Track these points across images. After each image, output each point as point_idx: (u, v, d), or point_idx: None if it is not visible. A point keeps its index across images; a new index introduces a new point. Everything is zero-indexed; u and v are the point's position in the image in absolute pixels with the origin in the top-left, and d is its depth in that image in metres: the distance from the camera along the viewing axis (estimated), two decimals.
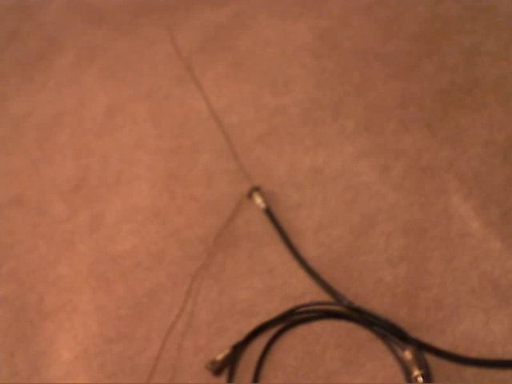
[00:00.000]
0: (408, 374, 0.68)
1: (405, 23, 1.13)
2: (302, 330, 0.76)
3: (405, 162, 0.91)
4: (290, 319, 0.77)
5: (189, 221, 0.94)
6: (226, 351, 0.75)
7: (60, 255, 0.96)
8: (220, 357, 0.74)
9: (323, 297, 0.78)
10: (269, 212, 0.89)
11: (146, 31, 1.39)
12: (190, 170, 1.02)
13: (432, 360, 0.69)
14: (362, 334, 0.73)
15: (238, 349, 0.75)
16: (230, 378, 0.73)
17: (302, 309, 0.77)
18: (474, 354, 0.68)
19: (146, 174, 1.04)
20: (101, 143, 1.14)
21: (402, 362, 0.69)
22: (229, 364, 0.74)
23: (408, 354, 0.68)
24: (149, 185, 1.02)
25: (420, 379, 0.66)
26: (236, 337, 0.77)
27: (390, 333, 0.71)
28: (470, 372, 0.67)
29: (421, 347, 0.69)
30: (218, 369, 0.74)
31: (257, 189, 0.93)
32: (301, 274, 0.82)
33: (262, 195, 0.92)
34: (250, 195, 0.93)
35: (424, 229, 0.81)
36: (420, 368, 0.66)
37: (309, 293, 0.79)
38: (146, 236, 0.94)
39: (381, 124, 0.97)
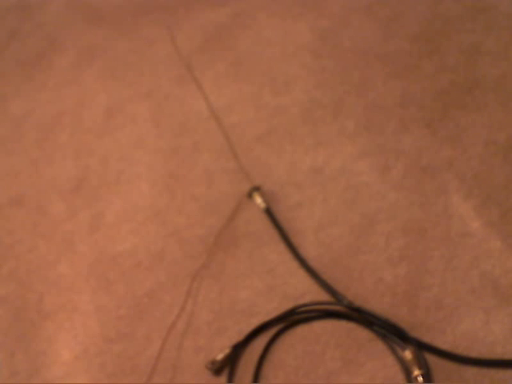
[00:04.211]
0: (408, 373, 0.68)
1: (405, 23, 1.13)
2: (302, 330, 0.76)
3: (405, 161, 0.91)
4: (290, 319, 0.77)
5: (189, 221, 0.94)
6: (226, 351, 0.75)
7: (60, 255, 0.96)
8: (220, 357, 0.74)
9: (323, 297, 0.78)
10: (269, 212, 0.89)
11: (146, 31, 1.39)
12: (190, 169, 1.02)
13: (432, 360, 0.69)
14: (362, 333, 0.73)
15: (238, 349, 0.75)
16: (230, 377, 0.73)
17: (302, 309, 0.77)
18: (474, 353, 0.68)
19: (146, 174, 1.04)
20: (101, 143, 1.14)
21: (402, 361, 0.69)
22: (229, 364, 0.74)
23: (408, 354, 0.68)
24: (149, 185, 1.02)
25: (420, 379, 0.66)
26: (236, 337, 0.77)
27: (390, 333, 0.71)
28: (470, 372, 0.67)
29: (421, 347, 0.69)
30: (218, 369, 0.74)
31: (257, 189, 0.93)
32: (301, 273, 0.82)
33: (262, 195, 0.92)
34: (250, 195, 0.93)
35: (424, 229, 0.81)
36: (420, 368, 0.67)
37: (309, 293, 0.79)
38: (145, 236, 0.94)
39: (381, 124, 0.97)
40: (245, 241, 0.88)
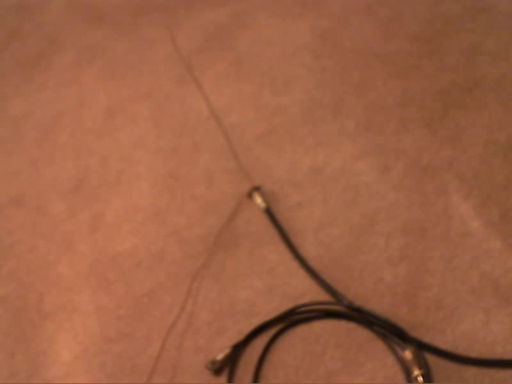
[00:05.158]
0: (408, 373, 0.68)
1: (405, 23, 1.13)
2: (302, 330, 0.76)
3: (405, 161, 0.91)
4: (290, 319, 0.77)
5: (189, 221, 0.94)
6: (226, 351, 0.75)
7: (60, 255, 0.96)
8: (220, 357, 0.74)
9: (323, 297, 0.78)
10: (269, 212, 0.89)
11: (146, 31, 1.39)
12: (190, 169, 1.02)
13: (432, 360, 0.69)
14: (362, 333, 0.73)
15: (238, 349, 0.75)
16: (230, 377, 0.73)
17: (302, 309, 0.77)
18: (474, 353, 0.68)
19: (146, 174, 1.04)
20: (101, 143, 1.14)
21: (402, 361, 0.69)
22: (229, 364, 0.74)
23: (408, 354, 0.68)
24: (149, 185, 1.02)
25: (420, 379, 0.66)
26: (236, 337, 0.77)
27: (390, 333, 0.71)
28: (470, 372, 0.67)
29: (421, 347, 0.69)
30: (218, 369, 0.74)
31: (257, 189, 0.93)
32: (301, 273, 0.82)
33: (262, 195, 0.92)
34: (250, 195, 0.93)
35: (424, 229, 0.81)
36: (420, 368, 0.67)
37: (309, 293, 0.79)
38: (146, 236, 0.94)
39: (381, 124, 0.97)
40: (245, 241, 0.88)
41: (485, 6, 1.10)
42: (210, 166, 1.02)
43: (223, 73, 1.19)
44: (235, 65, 1.20)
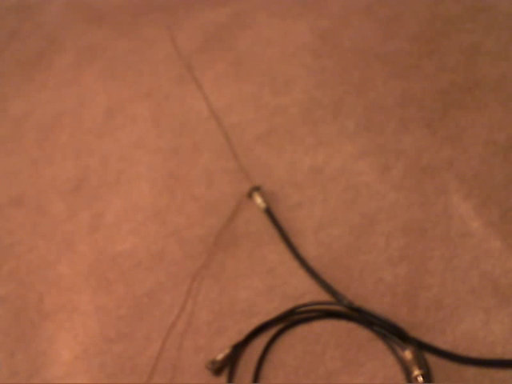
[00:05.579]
0: (408, 373, 0.68)
1: (405, 23, 1.13)
2: (302, 330, 0.76)
3: (405, 161, 0.91)
4: (290, 319, 0.77)
5: (189, 221, 0.94)
6: (226, 351, 0.75)
7: (60, 255, 0.96)
8: (220, 356, 0.74)
9: (323, 297, 0.78)
10: (269, 212, 0.89)
11: (146, 31, 1.39)
12: (190, 169, 1.02)
13: (432, 360, 0.69)
14: (362, 333, 0.73)
15: (238, 349, 0.75)
16: (230, 377, 0.73)
17: (302, 309, 0.77)
18: (474, 353, 0.68)
19: (146, 174, 1.04)
20: (101, 143, 1.14)
21: (402, 361, 0.69)
22: (229, 364, 0.74)
23: (408, 354, 0.68)
24: (149, 185, 1.02)
25: (420, 379, 0.66)
26: (236, 337, 0.77)
27: (390, 333, 0.71)
28: (470, 372, 0.67)
29: (421, 347, 0.69)
30: (218, 369, 0.74)
31: (257, 189, 0.93)
32: (301, 273, 0.82)
33: (262, 195, 0.92)
34: (250, 195, 0.93)
35: (424, 229, 0.81)
36: (420, 368, 0.67)
37: (309, 293, 0.79)
38: (146, 236, 0.94)
39: (381, 124, 0.97)
40: (245, 241, 0.88)
41: (485, 6, 1.10)
42: (210, 165, 1.02)
43: (223, 73, 1.19)
44: (235, 65, 1.20)
